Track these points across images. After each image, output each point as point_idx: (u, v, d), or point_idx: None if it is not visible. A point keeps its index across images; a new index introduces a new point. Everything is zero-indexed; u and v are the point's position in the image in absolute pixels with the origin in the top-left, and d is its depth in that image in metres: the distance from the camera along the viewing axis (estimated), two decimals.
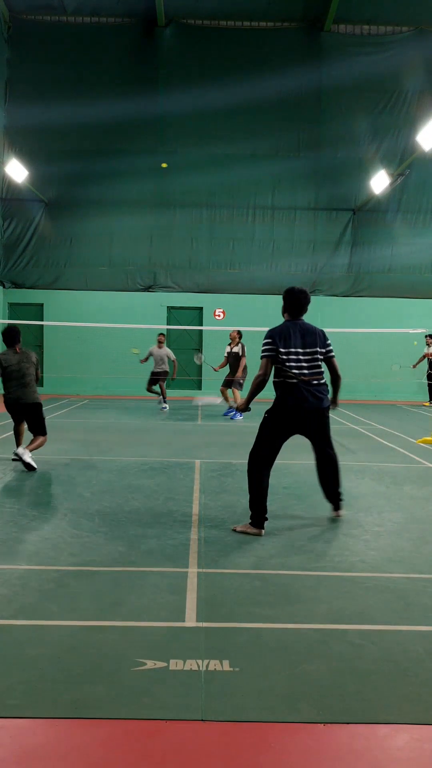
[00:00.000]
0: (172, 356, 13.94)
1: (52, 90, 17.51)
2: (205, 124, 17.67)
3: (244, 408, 5.24)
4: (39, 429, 7.28)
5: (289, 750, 2.37)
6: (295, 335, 4.93)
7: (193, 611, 3.43)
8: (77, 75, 17.65)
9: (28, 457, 6.97)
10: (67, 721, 2.48)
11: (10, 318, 17.49)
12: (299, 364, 4.90)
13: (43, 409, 7.42)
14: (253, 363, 12.84)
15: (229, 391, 12.97)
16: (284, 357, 4.88)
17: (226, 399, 13.05)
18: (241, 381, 12.56)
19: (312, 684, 2.74)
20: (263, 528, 4.89)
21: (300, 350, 4.91)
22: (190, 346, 18.04)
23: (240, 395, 12.53)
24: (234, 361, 12.73)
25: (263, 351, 4.92)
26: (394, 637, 3.20)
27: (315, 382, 4.94)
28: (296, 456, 8.25)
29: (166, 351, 14.03)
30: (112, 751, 2.33)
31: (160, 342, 14.13)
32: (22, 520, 5.16)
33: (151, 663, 2.87)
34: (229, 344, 12.96)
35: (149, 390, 14.22)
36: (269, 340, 4.90)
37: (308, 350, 4.94)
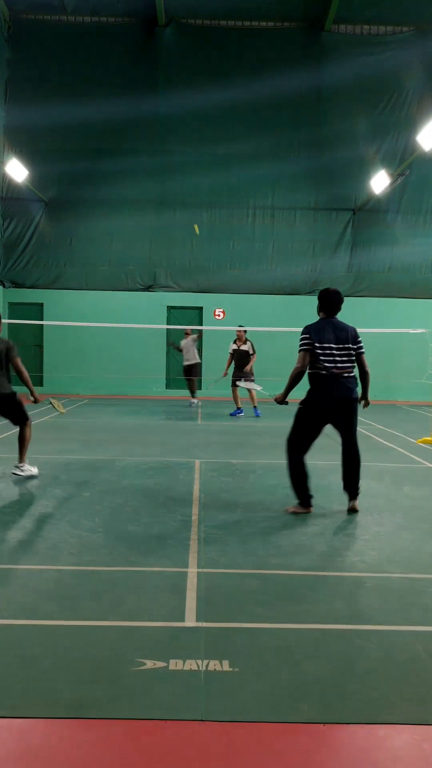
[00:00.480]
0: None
1: (52, 89, 17.48)
2: (205, 124, 17.65)
3: (282, 400, 5.67)
4: (20, 418, 6.72)
5: (289, 750, 2.37)
6: (328, 331, 5.37)
7: (193, 611, 3.43)
8: (77, 74, 17.62)
9: (27, 470, 6.69)
10: (67, 720, 2.48)
11: (10, 317, 17.47)
12: (332, 358, 5.34)
13: (19, 398, 6.72)
14: (258, 359, 13.09)
15: (242, 391, 13.06)
16: (319, 351, 5.32)
17: (236, 401, 13.11)
18: (252, 378, 12.74)
19: (312, 684, 2.74)
20: (311, 506, 5.50)
21: (333, 345, 5.35)
22: None
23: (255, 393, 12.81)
24: (241, 358, 12.86)
25: (301, 345, 5.39)
26: (394, 637, 3.20)
27: (345, 374, 5.36)
28: None
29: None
30: (112, 751, 2.33)
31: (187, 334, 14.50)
32: (22, 520, 5.16)
33: (150, 663, 2.87)
34: (235, 342, 13.06)
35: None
36: (306, 335, 5.38)
37: (341, 345, 5.36)
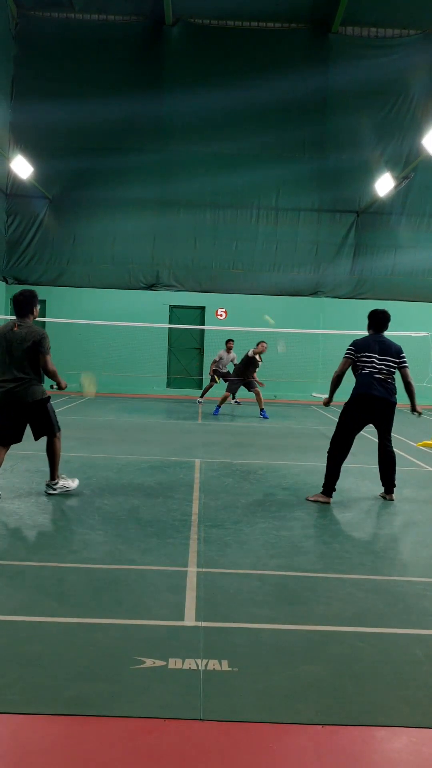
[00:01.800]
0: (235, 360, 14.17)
1: (58, 87, 17.48)
2: (210, 124, 17.64)
3: (328, 403, 6.32)
4: (48, 429, 5.82)
5: (287, 751, 2.37)
6: (372, 344, 6.07)
7: (193, 610, 3.43)
8: (83, 72, 17.62)
9: (61, 485, 5.92)
10: (66, 718, 2.48)
11: (12, 314, 17.48)
12: (372, 365, 5.97)
13: (51, 405, 5.90)
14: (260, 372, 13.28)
15: (242, 393, 13.21)
16: (360, 360, 6.02)
17: (223, 401, 13.17)
18: (259, 383, 13.03)
19: (311, 685, 2.75)
20: (331, 497, 6.01)
21: (375, 356, 6.00)
22: (192, 345, 18.05)
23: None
24: (249, 367, 12.93)
25: (346, 353, 6.11)
26: (392, 640, 3.21)
27: (383, 378, 5.94)
28: (296, 458, 8.27)
29: (233, 356, 14.28)
30: (111, 749, 2.34)
31: (229, 348, 14.33)
32: (22, 517, 5.16)
33: (150, 662, 2.87)
34: (259, 356, 12.96)
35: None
36: (352, 347, 6.09)
37: (382, 357, 6.01)
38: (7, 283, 17.85)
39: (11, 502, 5.56)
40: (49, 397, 5.84)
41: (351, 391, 6.06)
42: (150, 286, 17.97)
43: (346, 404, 6.07)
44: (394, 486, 6.23)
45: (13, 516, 5.17)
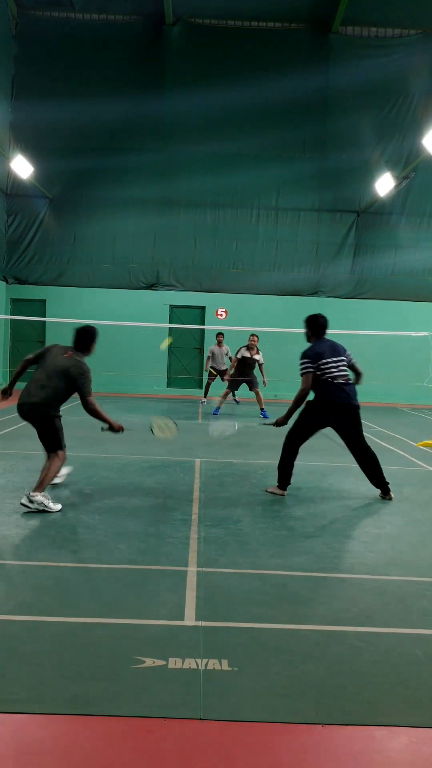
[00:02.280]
0: (230, 354, 14.22)
1: (58, 86, 17.49)
2: (210, 124, 17.65)
3: (284, 422, 6.15)
4: (51, 444, 5.62)
5: (287, 750, 2.38)
6: (324, 350, 6.04)
7: (193, 610, 3.43)
8: (84, 72, 17.62)
9: (40, 502, 5.27)
10: (66, 717, 2.49)
11: (12, 314, 17.49)
12: (331, 370, 5.95)
13: (59, 424, 5.72)
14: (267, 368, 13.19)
15: (243, 392, 13.18)
16: (319, 367, 5.94)
17: (221, 401, 13.15)
18: (264, 383, 12.94)
19: (311, 685, 2.75)
20: (286, 491, 6.16)
21: (331, 360, 5.99)
22: (192, 344, 18.05)
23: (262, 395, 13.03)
24: (247, 367, 12.80)
25: (303, 369, 5.98)
26: (392, 639, 3.21)
27: (343, 381, 5.96)
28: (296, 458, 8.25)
29: (226, 349, 14.33)
30: (111, 748, 2.34)
31: (219, 341, 14.38)
32: (22, 516, 5.16)
33: (150, 661, 2.87)
34: (247, 347, 12.88)
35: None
36: (308, 361, 5.98)
37: (337, 359, 6.01)
38: (7, 282, 17.86)
39: (11, 502, 5.56)
40: (59, 416, 5.67)
41: (314, 395, 6.05)
42: (150, 286, 17.97)
43: (311, 407, 6.04)
44: (388, 485, 6.20)
45: (13, 515, 5.16)
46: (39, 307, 17.59)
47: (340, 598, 3.70)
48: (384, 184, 16.35)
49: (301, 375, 6.00)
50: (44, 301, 17.70)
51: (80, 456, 7.88)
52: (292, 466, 6.14)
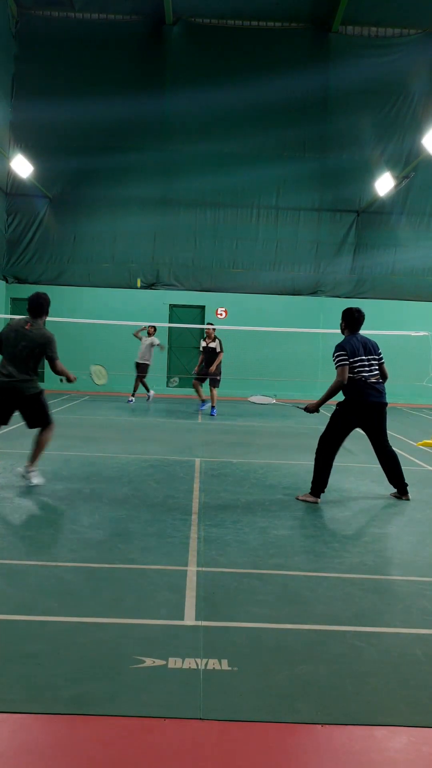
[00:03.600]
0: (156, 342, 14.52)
1: (58, 86, 17.48)
2: (210, 123, 17.64)
3: (315, 409, 6.15)
4: (42, 420, 6.13)
5: (287, 750, 2.37)
6: (359, 346, 6.01)
7: (192, 610, 3.43)
8: (84, 71, 17.61)
9: (35, 478, 6.12)
10: (66, 717, 2.48)
11: (12, 313, 17.46)
12: (364, 367, 5.93)
13: (44, 399, 6.17)
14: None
15: (205, 387, 13.12)
16: (352, 363, 5.90)
17: (199, 394, 13.32)
18: (218, 377, 12.94)
19: (310, 685, 2.75)
20: (319, 498, 5.98)
21: (364, 358, 5.97)
22: (192, 344, 18.04)
23: (216, 392, 12.96)
24: (210, 356, 12.96)
25: (339, 361, 5.90)
26: (392, 639, 3.21)
27: (374, 380, 5.97)
28: (296, 456, 8.26)
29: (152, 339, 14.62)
30: (111, 748, 2.33)
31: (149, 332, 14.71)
32: (22, 516, 5.16)
33: (149, 661, 2.87)
34: (204, 339, 13.19)
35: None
36: (344, 353, 5.91)
37: (369, 357, 6.01)
38: (7, 282, 17.85)
39: (10, 502, 5.56)
40: (42, 391, 6.12)
41: (344, 395, 6.03)
42: (150, 285, 17.97)
43: (342, 408, 6.01)
44: (407, 485, 6.21)
45: (13, 515, 5.16)
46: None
47: (340, 598, 3.70)
48: (384, 184, 16.35)
49: (336, 367, 5.91)
50: None
51: (80, 455, 7.88)
52: (328, 472, 6.00)
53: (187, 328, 17.36)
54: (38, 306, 6.14)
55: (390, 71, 17.66)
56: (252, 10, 17.44)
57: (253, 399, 7.66)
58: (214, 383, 12.87)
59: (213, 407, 12.95)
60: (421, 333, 13.38)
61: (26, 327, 6.00)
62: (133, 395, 14.87)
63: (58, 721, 2.46)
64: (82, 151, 17.51)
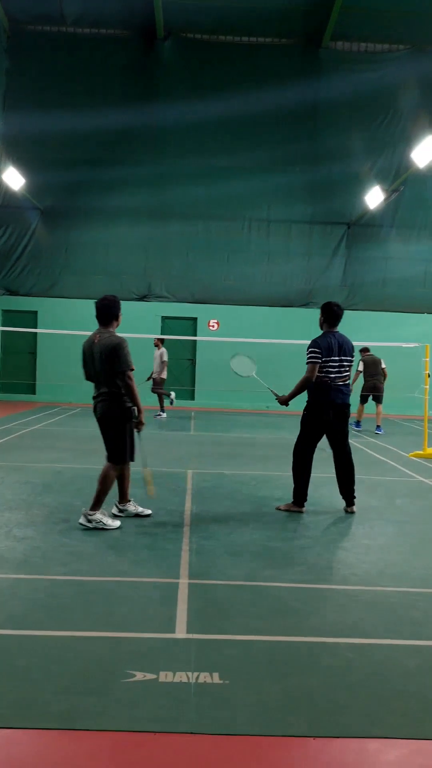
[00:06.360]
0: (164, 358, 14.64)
1: (50, 99, 17.56)
2: (202, 137, 17.76)
3: (285, 402, 6.11)
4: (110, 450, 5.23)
5: (279, 764, 2.35)
6: (334, 345, 5.83)
7: (184, 622, 3.41)
8: (76, 85, 17.71)
9: (100, 518, 5.09)
10: (56, 732, 2.45)
11: (4, 325, 17.45)
12: (334, 368, 5.81)
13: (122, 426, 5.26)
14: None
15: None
16: (324, 362, 5.77)
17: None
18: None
19: (303, 697, 2.73)
20: (303, 507, 5.95)
21: (337, 358, 5.83)
22: (184, 356, 18.04)
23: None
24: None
25: (311, 357, 5.77)
26: (385, 651, 3.19)
27: (341, 383, 5.88)
28: (288, 468, 8.25)
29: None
30: (101, 763, 2.31)
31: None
32: (13, 529, 5.12)
33: (140, 675, 2.84)
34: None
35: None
36: (317, 351, 5.76)
37: (343, 357, 5.87)
38: None
39: (1, 515, 5.52)
40: (118, 415, 5.19)
41: (309, 396, 5.92)
42: (142, 297, 17.99)
43: (308, 412, 5.90)
44: (355, 497, 6.05)
45: (3, 528, 5.12)
46: (30, 318, 17.55)
47: (333, 610, 3.69)
48: (374, 197, 16.49)
49: (308, 363, 5.78)
50: (35, 313, 17.66)
51: (72, 467, 7.85)
52: (306, 480, 5.92)
53: (179, 339, 17.36)
54: (105, 310, 5.40)
55: (379, 86, 17.87)
56: (243, 26, 17.64)
57: (234, 364, 7.54)
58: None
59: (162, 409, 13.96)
60: (412, 344, 13.43)
61: (95, 340, 5.29)
62: (162, 409, 14.73)
63: (48, 736, 2.44)
64: (73, 163, 17.57)
